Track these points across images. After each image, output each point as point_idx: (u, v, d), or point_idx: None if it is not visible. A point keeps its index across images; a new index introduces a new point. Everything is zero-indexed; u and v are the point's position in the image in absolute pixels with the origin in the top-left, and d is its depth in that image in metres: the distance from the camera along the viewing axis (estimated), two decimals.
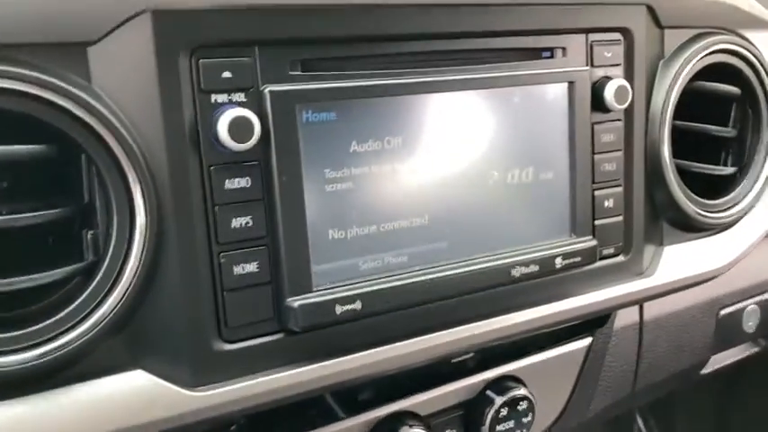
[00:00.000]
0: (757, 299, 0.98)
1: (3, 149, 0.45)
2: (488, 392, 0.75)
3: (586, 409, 0.85)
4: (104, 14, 0.47)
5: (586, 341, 0.81)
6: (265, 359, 0.55)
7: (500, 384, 0.75)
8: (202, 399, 0.52)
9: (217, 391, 0.52)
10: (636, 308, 0.87)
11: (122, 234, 0.49)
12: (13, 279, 0.47)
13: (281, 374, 0.55)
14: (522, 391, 0.75)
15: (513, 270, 0.61)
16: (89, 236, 0.50)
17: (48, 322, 0.48)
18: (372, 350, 0.58)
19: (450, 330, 0.61)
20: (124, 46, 0.48)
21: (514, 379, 0.76)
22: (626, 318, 0.86)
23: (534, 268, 0.62)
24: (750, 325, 0.98)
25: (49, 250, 0.50)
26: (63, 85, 0.46)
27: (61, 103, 0.46)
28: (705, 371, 1.00)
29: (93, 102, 0.47)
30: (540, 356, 0.78)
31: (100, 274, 0.49)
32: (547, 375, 0.79)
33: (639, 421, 1.90)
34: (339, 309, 0.55)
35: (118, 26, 0.47)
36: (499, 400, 0.74)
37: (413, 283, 0.58)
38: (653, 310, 0.87)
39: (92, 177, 0.49)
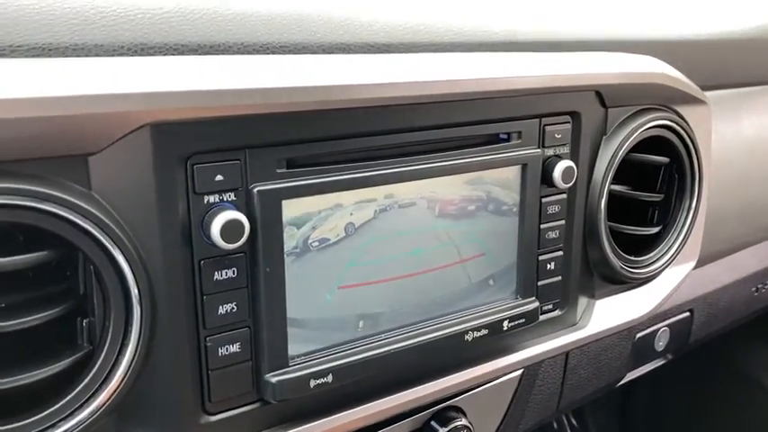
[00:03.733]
0: (667, 322, 1.09)
1: (6, 261, 0.48)
2: (433, 423, 0.82)
3: (516, 428, 0.94)
4: (107, 130, 0.49)
5: (519, 372, 0.90)
6: (243, 427, 0.60)
7: (444, 415, 0.83)
8: None
9: None
10: None
11: (119, 323, 0.52)
12: (14, 378, 0.50)
13: None
14: (462, 422, 0.83)
15: (467, 335, 0.68)
16: (84, 324, 0.53)
17: (50, 410, 0.51)
18: (339, 414, 0.64)
19: (410, 390, 0.68)
20: (124, 155, 0.50)
21: (456, 409, 0.84)
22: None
23: (485, 332, 0.69)
24: (660, 344, 1.10)
25: (37, 337, 0.53)
26: (64, 196, 0.48)
27: (62, 214, 0.48)
28: (619, 384, 1.12)
29: (92, 209, 0.49)
30: (480, 389, 0.86)
31: (99, 362, 0.52)
32: (484, 404, 0.87)
33: None
34: (313, 383, 0.60)
35: (119, 139, 0.50)
36: (443, 431, 0.82)
37: (379, 353, 0.63)
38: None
39: (88, 273, 0.52)
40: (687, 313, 1.12)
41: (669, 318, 1.09)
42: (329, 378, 0.61)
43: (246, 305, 0.57)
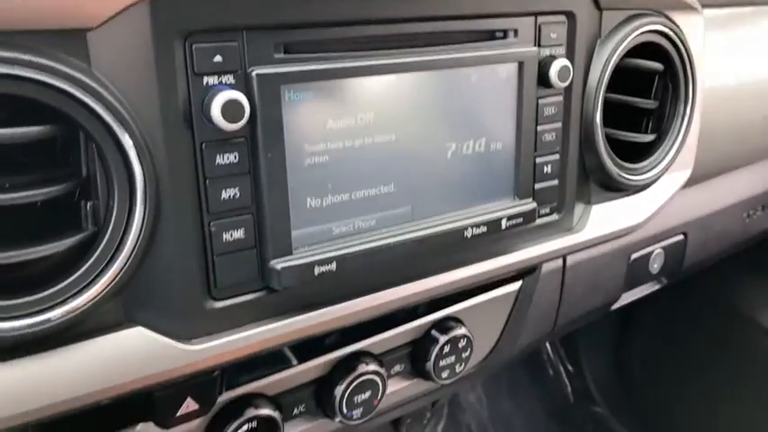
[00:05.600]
0: (662, 244, 1.11)
1: (4, 132, 0.48)
2: (433, 332, 0.84)
3: (514, 345, 0.96)
4: (105, 3, 0.49)
5: (517, 285, 0.91)
6: (249, 314, 0.61)
7: (443, 325, 0.84)
8: (196, 352, 0.58)
9: (208, 344, 0.58)
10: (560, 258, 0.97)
11: (123, 205, 0.53)
12: (19, 251, 0.50)
13: (264, 327, 0.61)
14: (462, 331, 0.84)
15: (466, 231, 0.69)
16: (88, 207, 0.53)
17: (55, 289, 0.52)
18: (343, 304, 0.65)
19: (410, 284, 0.69)
20: (123, 32, 0.50)
21: (455, 320, 0.86)
22: (551, 264, 0.96)
23: (483, 229, 0.70)
24: (655, 267, 1.11)
25: (42, 219, 0.54)
26: (63, 68, 0.48)
27: (61, 86, 0.48)
28: (615, 306, 1.13)
29: (93, 84, 0.49)
30: (478, 299, 0.87)
31: (103, 243, 0.53)
32: (483, 316, 0.89)
33: (548, 347, 2.08)
34: (317, 270, 0.61)
35: (117, 14, 0.50)
36: (443, 339, 0.83)
37: (381, 245, 0.64)
38: (574, 257, 0.98)
39: (90, 152, 0.52)
40: (681, 236, 1.13)
41: (663, 240, 1.11)
42: (333, 266, 0.62)
43: (249, 191, 0.58)
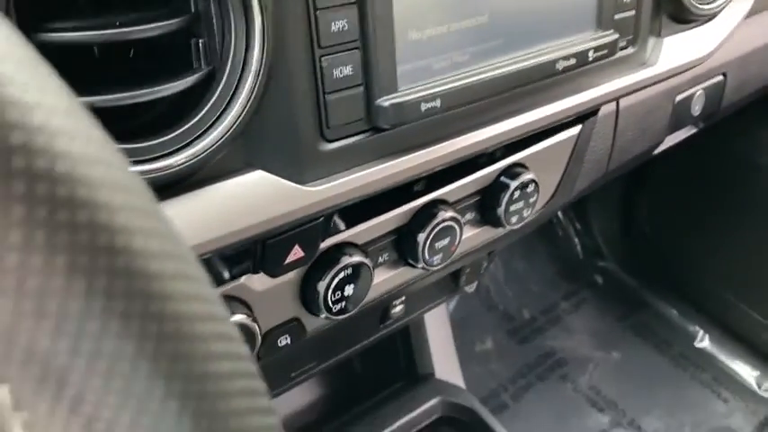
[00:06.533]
0: (703, 85, 1.10)
1: None
2: (503, 178, 0.84)
3: (572, 189, 0.97)
4: None
5: (577, 129, 0.91)
6: (359, 156, 0.60)
7: (511, 171, 0.84)
8: (313, 192, 0.57)
9: (324, 186, 0.57)
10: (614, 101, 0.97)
11: (241, 40, 0.50)
12: (137, 92, 0.48)
13: (373, 168, 0.60)
14: (530, 176, 0.85)
15: (558, 63, 0.68)
16: (200, 45, 0.50)
17: (177, 132, 0.50)
18: (446, 142, 0.64)
19: (506, 121, 0.68)
20: None
21: (522, 166, 0.86)
22: (607, 109, 0.95)
23: (573, 61, 0.69)
24: (696, 109, 1.11)
25: (158, 61, 0.51)
26: None
27: None
28: (657, 151, 1.14)
29: None
30: (543, 144, 0.87)
31: (222, 81, 0.50)
32: (546, 161, 0.89)
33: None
34: (423, 106, 0.59)
35: None
36: (513, 184, 0.83)
37: (480, 79, 0.63)
38: (627, 100, 0.97)
39: None
40: (721, 77, 1.13)
41: (705, 81, 1.10)
42: (437, 102, 0.60)
43: (356, 23, 0.55)
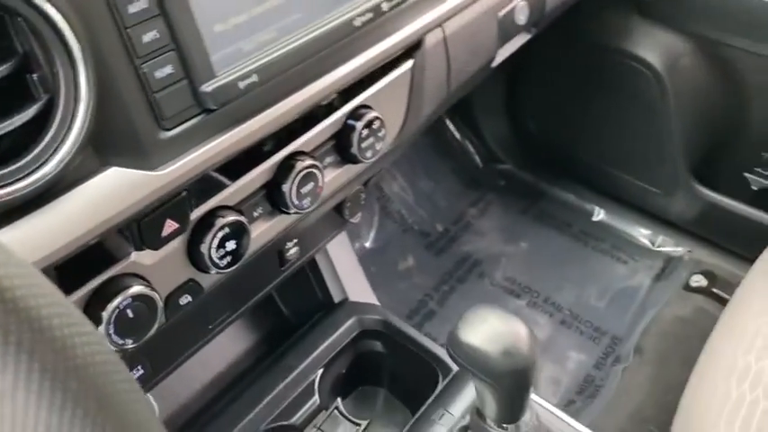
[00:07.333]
0: None
1: None
2: (349, 121, 0.97)
3: (420, 116, 1.10)
4: None
5: (410, 63, 1.03)
6: (197, 136, 0.71)
7: (356, 113, 0.97)
8: (164, 175, 0.69)
9: (172, 167, 0.69)
10: (439, 29, 1.09)
11: (67, 68, 0.60)
12: None
13: (212, 144, 0.72)
14: (373, 113, 0.97)
15: (354, 21, 0.80)
16: (35, 78, 0.61)
17: (31, 155, 0.61)
18: (271, 109, 0.76)
19: (319, 80, 0.80)
20: None
21: (365, 107, 0.98)
22: (432, 38, 1.08)
23: (370, 15, 0.81)
24: (522, 19, 1.25)
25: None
26: None
27: None
28: (494, 63, 1.28)
29: None
30: (380, 84, 1.00)
31: (61, 106, 0.61)
32: (388, 97, 1.01)
33: (449, 123, 2.27)
34: (242, 84, 0.71)
35: None
36: (359, 125, 0.96)
37: (287, 51, 0.75)
38: (451, 26, 1.10)
39: (20, 32, 0.59)
40: None
41: None
42: (255, 78, 0.72)
43: (165, 29, 0.66)
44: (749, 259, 1.36)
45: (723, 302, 1.32)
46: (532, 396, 0.91)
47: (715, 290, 1.89)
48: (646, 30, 1.77)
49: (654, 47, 1.78)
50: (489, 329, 0.86)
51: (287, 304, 1.39)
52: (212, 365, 1.31)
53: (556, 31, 1.70)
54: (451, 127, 2.26)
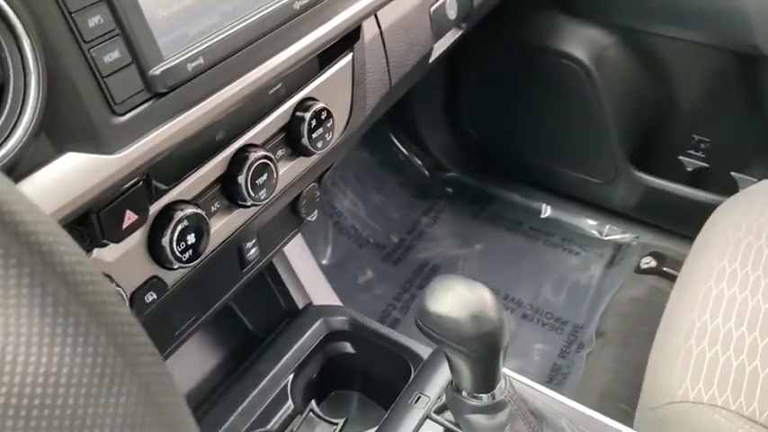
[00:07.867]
0: None
1: None
2: (298, 113, 0.99)
3: (365, 108, 1.13)
4: None
5: (350, 56, 1.07)
6: (150, 120, 0.72)
7: (303, 105, 0.99)
8: (119, 159, 0.69)
9: (127, 151, 0.70)
10: (375, 23, 1.13)
11: (15, 55, 0.61)
12: None
13: (168, 125, 0.73)
14: (320, 105, 1.00)
15: (294, 4, 0.82)
16: None
17: None
18: (221, 91, 0.77)
19: (266, 63, 0.82)
20: None
21: (311, 99, 1.01)
22: (370, 32, 1.12)
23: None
24: (452, 13, 1.30)
25: None
26: None
27: None
28: (431, 59, 1.33)
29: None
30: (324, 76, 1.02)
31: (11, 92, 0.61)
32: (332, 89, 1.04)
33: (393, 137, 2.31)
34: (189, 66, 0.73)
35: None
36: (308, 115, 0.98)
37: (232, 33, 0.77)
38: (386, 20, 1.14)
39: None
40: None
41: None
42: (201, 60, 0.73)
43: (109, 14, 0.67)
44: (691, 237, 1.42)
45: (673, 279, 1.37)
46: (505, 370, 0.92)
47: (665, 268, 1.96)
48: (570, 26, 1.86)
49: (579, 42, 1.86)
50: (456, 297, 0.88)
51: (250, 318, 1.38)
52: (181, 385, 1.28)
53: (486, 33, 1.77)
54: (396, 141, 2.30)
